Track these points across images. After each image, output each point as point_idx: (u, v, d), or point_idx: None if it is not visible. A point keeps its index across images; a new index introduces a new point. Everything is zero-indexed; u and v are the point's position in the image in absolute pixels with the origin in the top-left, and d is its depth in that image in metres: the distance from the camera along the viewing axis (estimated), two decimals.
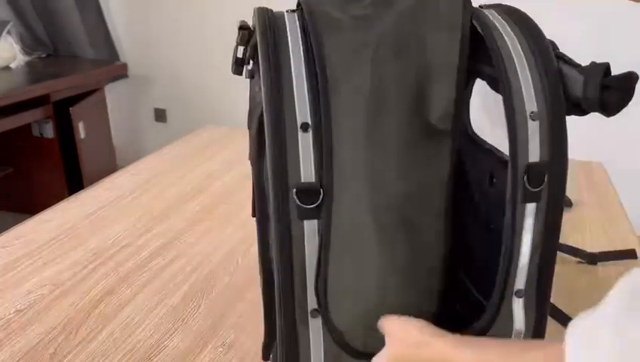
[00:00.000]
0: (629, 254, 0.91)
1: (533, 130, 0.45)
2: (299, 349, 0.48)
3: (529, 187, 0.46)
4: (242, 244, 0.94)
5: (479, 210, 0.61)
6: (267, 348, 0.58)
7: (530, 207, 0.47)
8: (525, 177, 0.46)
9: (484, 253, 0.60)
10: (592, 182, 1.23)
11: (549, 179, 0.46)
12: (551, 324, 0.74)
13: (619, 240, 0.97)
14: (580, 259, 0.90)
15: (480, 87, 0.64)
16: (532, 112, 0.45)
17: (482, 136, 0.62)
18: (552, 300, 0.79)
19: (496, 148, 0.57)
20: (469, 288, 0.63)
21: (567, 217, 1.06)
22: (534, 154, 0.46)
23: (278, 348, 0.50)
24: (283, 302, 0.46)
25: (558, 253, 0.94)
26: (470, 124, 0.64)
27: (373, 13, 0.48)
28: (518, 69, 0.46)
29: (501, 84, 0.46)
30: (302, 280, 0.45)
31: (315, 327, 0.47)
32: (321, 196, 0.43)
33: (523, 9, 0.51)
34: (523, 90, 0.46)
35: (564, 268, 0.88)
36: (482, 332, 0.50)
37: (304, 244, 0.44)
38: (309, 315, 0.46)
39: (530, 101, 0.46)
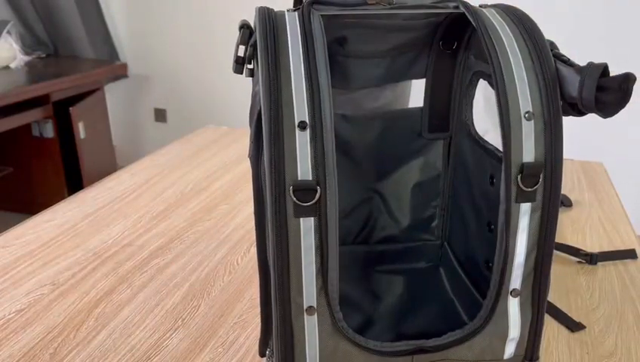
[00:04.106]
0: (629, 254, 0.91)
1: (528, 130, 0.46)
2: (294, 347, 0.48)
3: (523, 187, 0.46)
4: (242, 244, 0.94)
5: (480, 210, 0.61)
6: (263, 345, 0.58)
7: (525, 207, 0.47)
8: (519, 177, 0.46)
9: (485, 253, 0.60)
10: (592, 182, 1.23)
11: (545, 179, 0.46)
12: (552, 324, 0.74)
13: (619, 240, 0.97)
14: (580, 259, 0.90)
15: (483, 87, 0.64)
16: (527, 112, 0.46)
17: (486, 137, 0.62)
18: (552, 300, 0.79)
19: (497, 149, 0.57)
20: (469, 288, 0.63)
21: (567, 217, 1.06)
22: (529, 154, 0.46)
23: (273, 346, 0.50)
24: (279, 300, 0.46)
25: (558, 253, 0.95)
26: (473, 124, 0.64)
27: None
28: (514, 69, 0.46)
29: (494, 82, 0.46)
30: (297, 278, 0.45)
31: (311, 325, 0.47)
32: (318, 194, 0.44)
33: (524, 8, 0.51)
34: (518, 89, 0.46)
35: (564, 268, 0.88)
36: (476, 331, 0.50)
37: (300, 242, 0.45)
38: (305, 313, 0.47)
39: (525, 101, 0.46)
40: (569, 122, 2.28)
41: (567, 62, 0.47)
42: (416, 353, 0.50)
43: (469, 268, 0.65)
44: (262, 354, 0.59)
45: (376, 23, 0.58)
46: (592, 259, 0.89)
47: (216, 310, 0.76)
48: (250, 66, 0.49)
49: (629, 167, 2.52)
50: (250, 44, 0.48)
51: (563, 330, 0.73)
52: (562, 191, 1.18)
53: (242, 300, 0.78)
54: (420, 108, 0.68)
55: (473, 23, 0.49)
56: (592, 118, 2.38)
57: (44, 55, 2.92)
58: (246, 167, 1.28)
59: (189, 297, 0.79)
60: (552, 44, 0.49)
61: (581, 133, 2.48)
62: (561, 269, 0.88)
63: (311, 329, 0.47)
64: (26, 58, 2.71)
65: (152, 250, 0.91)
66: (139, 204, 1.08)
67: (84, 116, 2.56)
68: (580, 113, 0.47)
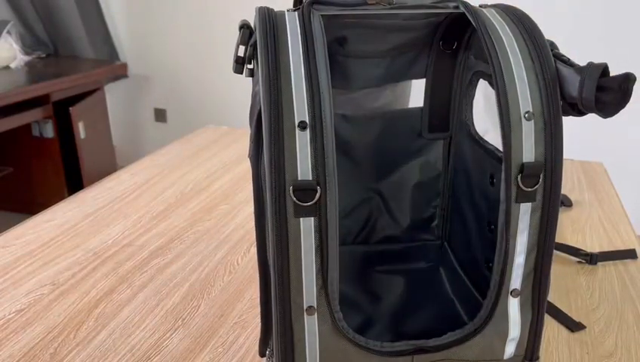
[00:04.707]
0: (629, 254, 0.91)
1: (528, 130, 0.46)
2: (294, 347, 0.48)
3: (523, 187, 0.46)
4: (242, 244, 0.94)
5: (480, 210, 0.61)
6: (263, 345, 0.58)
7: (525, 207, 0.47)
8: (519, 177, 0.46)
9: (485, 252, 0.60)
10: (592, 182, 1.23)
11: (545, 179, 0.46)
12: (552, 324, 0.74)
13: (619, 240, 0.97)
14: (580, 259, 0.90)
15: (483, 87, 0.64)
16: (527, 112, 0.46)
17: (486, 137, 0.62)
18: (551, 300, 0.79)
19: (497, 149, 0.57)
20: (469, 288, 0.63)
21: (567, 217, 1.06)
22: (529, 154, 0.46)
23: (273, 346, 0.50)
24: (279, 300, 0.46)
25: (558, 253, 0.95)
26: (473, 124, 0.64)
27: None
28: (514, 69, 0.46)
29: (494, 82, 0.46)
30: (297, 277, 0.45)
31: (311, 325, 0.47)
32: (318, 194, 0.44)
33: (524, 8, 0.52)
34: (518, 89, 0.46)
35: (564, 268, 0.88)
36: (476, 332, 0.50)
37: (300, 242, 0.45)
38: (305, 313, 0.47)
39: (525, 101, 0.46)
40: (569, 122, 2.28)
41: (567, 63, 0.47)
42: (416, 353, 0.50)
43: (469, 268, 0.65)
44: (262, 354, 0.59)
45: (376, 23, 0.58)
46: (592, 259, 0.89)
47: (216, 310, 0.76)
48: (250, 66, 0.49)
49: (629, 167, 2.52)
50: (250, 44, 0.48)
51: (563, 330, 0.73)
52: (562, 191, 1.18)
53: (242, 300, 0.78)
54: (420, 108, 0.68)
55: (473, 23, 0.49)
56: (592, 118, 2.38)
57: (44, 55, 2.92)
58: (246, 167, 1.28)
59: (189, 297, 0.79)
60: (552, 44, 0.49)
61: (581, 133, 2.48)
62: (561, 269, 0.88)
63: (311, 329, 0.47)
64: (26, 58, 2.70)
65: (152, 250, 0.91)
66: (139, 203, 1.08)
67: (84, 116, 2.56)
68: (580, 113, 0.47)
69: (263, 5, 0.50)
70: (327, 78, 0.45)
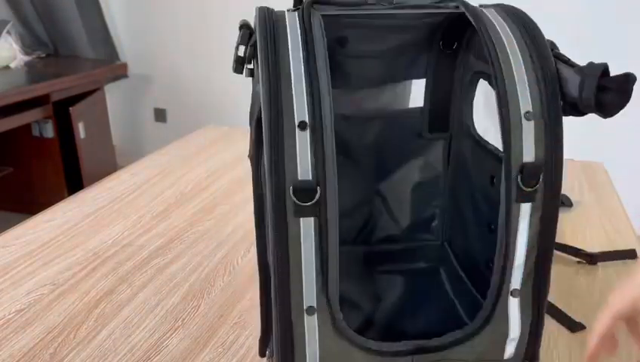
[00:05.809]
0: (629, 254, 0.91)
1: (528, 130, 0.46)
2: (294, 347, 0.48)
3: (523, 187, 0.46)
4: (242, 244, 0.94)
5: (480, 210, 0.61)
6: (263, 345, 0.58)
7: (525, 207, 0.47)
8: (519, 177, 0.46)
9: (485, 253, 0.60)
10: (592, 182, 1.23)
11: (545, 179, 0.46)
12: (552, 324, 0.74)
13: (619, 240, 0.97)
14: (580, 259, 0.90)
15: (484, 87, 0.64)
16: (527, 112, 0.46)
17: (486, 137, 0.62)
18: (551, 300, 0.79)
19: (497, 149, 0.57)
20: (469, 288, 0.64)
21: (567, 217, 1.06)
22: (529, 154, 0.46)
23: (274, 345, 0.50)
24: (279, 300, 0.46)
25: (558, 253, 0.95)
26: (473, 124, 0.64)
27: None
28: (514, 69, 0.46)
29: (494, 82, 0.46)
30: (298, 277, 0.46)
31: (311, 325, 0.47)
32: (317, 194, 0.44)
33: (523, 8, 0.52)
34: (518, 89, 0.46)
35: (564, 268, 0.88)
36: (477, 332, 0.50)
37: (300, 242, 0.45)
38: (305, 313, 0.47)
39: (526, 101, 0.46)
40: (569, 122, 2.28)
41: (568, 63, 0.47)
42: (416, 353, 0.50)
43: (469, 268, 0.65)
44: (262, 354, 0.59)
45: (376, 23, 0.58)
46: (592, 259, 0.89)
47: (217, 310, 0.76)
48: (250, 66, 0.49)
49: (629, 167, 2.52)
50: (250, 44, 0.48)
51: (563, 330, 0.73)
52: (562, 191, 1.18)
53: (242, 300, 0.78)
54: (420, 108, 0.68)
55: (473, 23, 0.49)
56: (592, 118, 2.37)
57: (44, 55, 2.92)
58: (246, 167, 1.28)
59: (189, 297, 0.79)
60: (552, 44, 0.49)
61: (581, 133, 2.48)
62: (561, 269, 0.88)
63: (311, 329, 0.47)
64: (26, 58, 2.70)
65: (152, 250, 0.91)
66: (139, 203, 1.08)
67: (84, 116, 2.56)
68: (580, 113, 0.47)
69: (263, 5, 0.50)
70: (328, 78, 0.45)
